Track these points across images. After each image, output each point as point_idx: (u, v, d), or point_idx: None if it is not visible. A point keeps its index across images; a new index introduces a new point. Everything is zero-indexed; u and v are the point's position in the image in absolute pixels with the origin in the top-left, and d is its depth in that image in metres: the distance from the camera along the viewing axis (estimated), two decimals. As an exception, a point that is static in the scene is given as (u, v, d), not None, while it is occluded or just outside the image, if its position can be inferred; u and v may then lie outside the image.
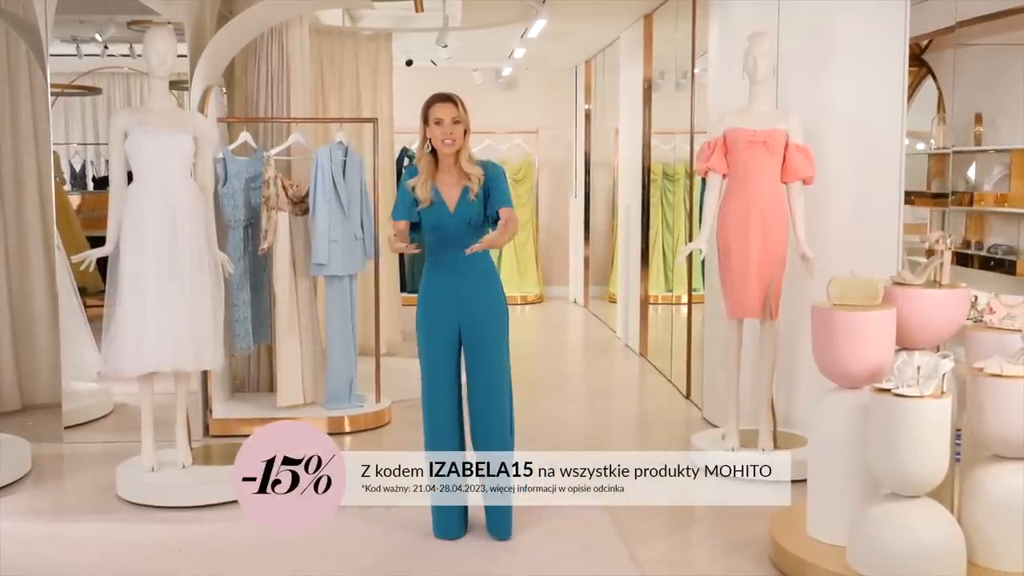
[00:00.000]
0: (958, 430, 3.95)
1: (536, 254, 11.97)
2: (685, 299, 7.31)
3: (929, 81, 8.67)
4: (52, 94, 7.47)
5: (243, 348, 6.06)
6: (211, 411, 5.83)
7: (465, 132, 4.09)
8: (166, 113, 4.79)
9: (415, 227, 4.16)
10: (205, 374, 5.65)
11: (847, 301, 3.96)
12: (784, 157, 5.03)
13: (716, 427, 5.82)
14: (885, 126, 5.60)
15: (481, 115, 11.57)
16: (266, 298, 6.15)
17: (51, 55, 7.15)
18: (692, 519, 4.57)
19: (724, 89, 5.85)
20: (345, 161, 6.01)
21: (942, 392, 3.56)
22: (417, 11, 7.59)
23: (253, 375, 6.58)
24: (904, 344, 4.07)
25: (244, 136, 6.06)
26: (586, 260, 11.29)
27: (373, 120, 6.32)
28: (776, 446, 5.17)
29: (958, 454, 4.07)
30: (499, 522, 4.19)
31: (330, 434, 5.83)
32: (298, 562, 4.06)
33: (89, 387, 6.38)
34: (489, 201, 4.12)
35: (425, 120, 4.07)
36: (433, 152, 4.10)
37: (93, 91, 8.59)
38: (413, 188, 4.11)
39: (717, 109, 5.65)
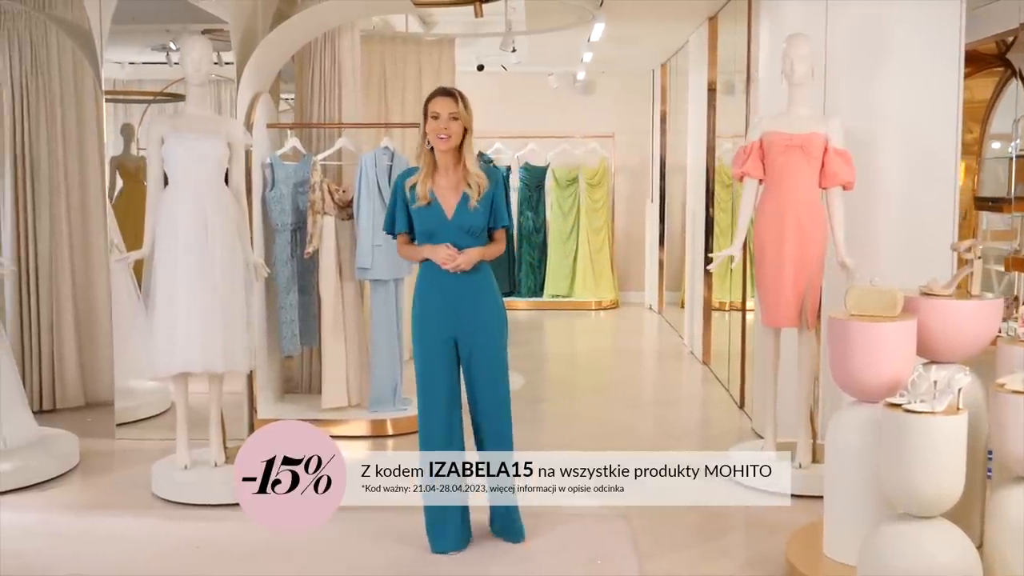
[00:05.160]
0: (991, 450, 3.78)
1: (612, 259, 11.88)
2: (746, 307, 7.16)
3: (1015, 82, 8.33)
4: (143, 102, 7.74)
5: (290, 350, 6.17)
6: (256, 411, 5.93)
7: (465, 131, 3.98)
8: (201, 119, 4.90)
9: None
10: (250, 375, 5.76)
11: (865, 311, 3.81)
12: (823, 162, 4.88)
13: (763, 438, 5.67)
14: (940, 130, 5.39)
15: (557, 119, 11.66)
16: (315, 301, 6.23)
17: (144, 63, 7.43)
18: (710, 532, 4.48)
19: (774, 92, 5.70)
20: (391, 166, 6.05)
21: (957, 408, 3.39)
22: (476, 16, 7.62)
23: (305, 377, 6.68)
24: (931, 357, 3.92)
25: (292, 141, 6.17)
26: (660, 265, 11.16)
27: (419, 125, 6.32)
28: (815, 460, 5.01)
29: (990, 472, 3.90)
30: (507, 523, 4.16)
31: (372, 437, 5.97)
32: (306, 563, 4.10)
33: (147, 385, 6.54)
34: (493, 213, 4.04)
35: (424, 114, 4.00)
36: (433, 150, 4.02)
37: (177, 98, 8.87)
38: (412, 186, 4.02)
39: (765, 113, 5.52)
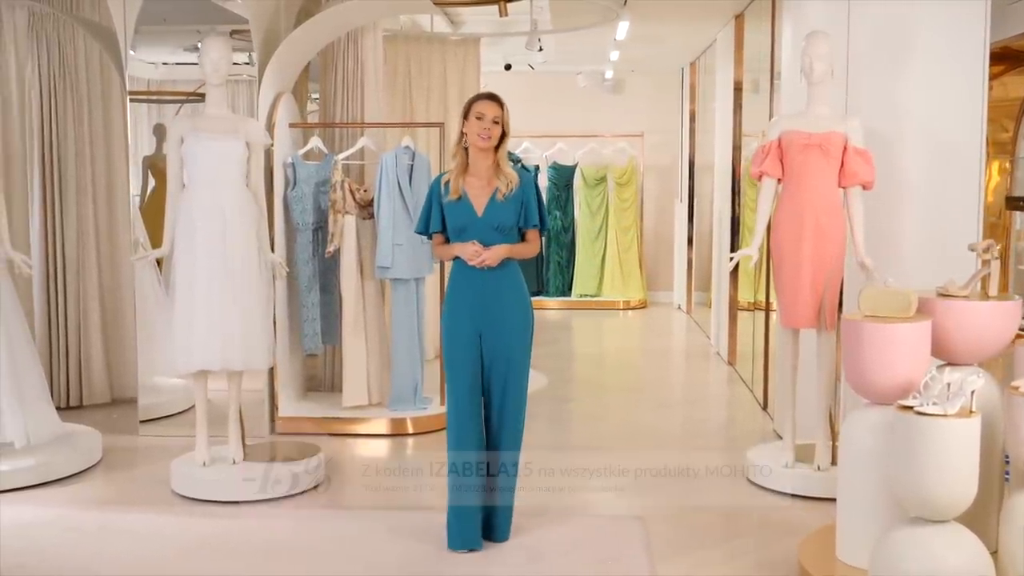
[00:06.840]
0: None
1: (640, 258, 11.82)
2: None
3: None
4: (169, 103, 7.82)
5: (311, 348, 6.21)
6: (277, 408, 5.97)
7: (503, 135, 4.09)
8: (220, 119, 4.95)
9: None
10: (271, 372, 5.80)
11: (879, 312, 3.77)
12: (843, 161, 4.84)
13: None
14: (964, 130, 5.30)
15: (586, 118, 11.63)
16: (336, 300, 6.26)
17: (177, 64, 7.50)
18: (723, 534, 4.45)
19: (798, 91, 5.64)
20: (412, 165, 6.07)
21: (970, 411, 3.35)
22: (501, 15, 7.63)
23: (327, 375, 6.72)
24: (947, 359, 3.87)
25: (314, 141, 6.20)
26: (689, 265, 11.09)
27: (439, 124, 6.36)
28: (834, 463, 4.96)
29: (1008, 475, 3.84)
30: (500, 522, 4.18)
31: (393, 435, 5.99)
32: (322, 561, 4.12)
33: (171, 382, 6.58)
34: (523, 212, 4.10)
35: (466, 115, 4.09)
36: (467, 151, 4.11)
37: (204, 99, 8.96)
38: (447, 183, 4.10)
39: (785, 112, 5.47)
